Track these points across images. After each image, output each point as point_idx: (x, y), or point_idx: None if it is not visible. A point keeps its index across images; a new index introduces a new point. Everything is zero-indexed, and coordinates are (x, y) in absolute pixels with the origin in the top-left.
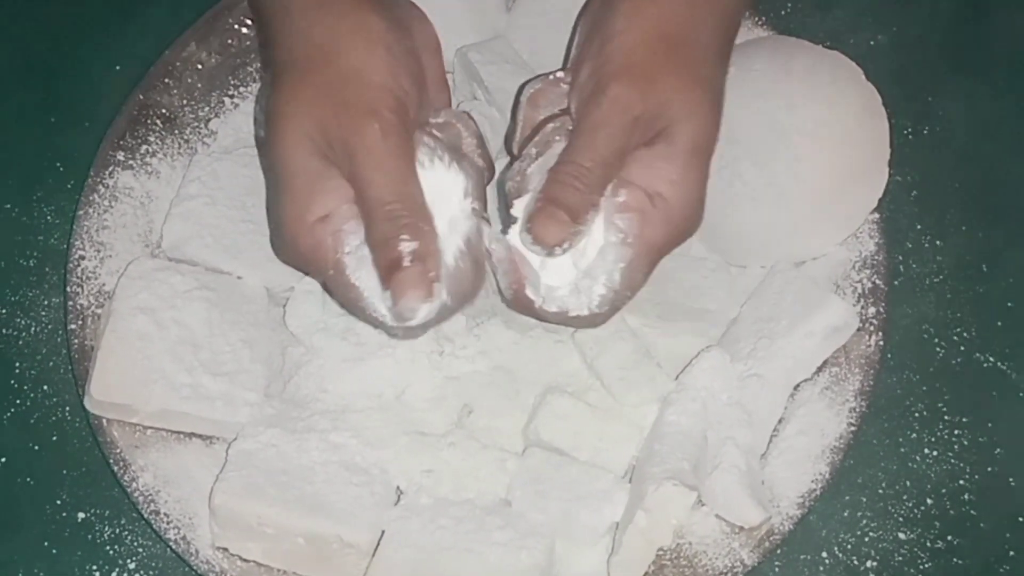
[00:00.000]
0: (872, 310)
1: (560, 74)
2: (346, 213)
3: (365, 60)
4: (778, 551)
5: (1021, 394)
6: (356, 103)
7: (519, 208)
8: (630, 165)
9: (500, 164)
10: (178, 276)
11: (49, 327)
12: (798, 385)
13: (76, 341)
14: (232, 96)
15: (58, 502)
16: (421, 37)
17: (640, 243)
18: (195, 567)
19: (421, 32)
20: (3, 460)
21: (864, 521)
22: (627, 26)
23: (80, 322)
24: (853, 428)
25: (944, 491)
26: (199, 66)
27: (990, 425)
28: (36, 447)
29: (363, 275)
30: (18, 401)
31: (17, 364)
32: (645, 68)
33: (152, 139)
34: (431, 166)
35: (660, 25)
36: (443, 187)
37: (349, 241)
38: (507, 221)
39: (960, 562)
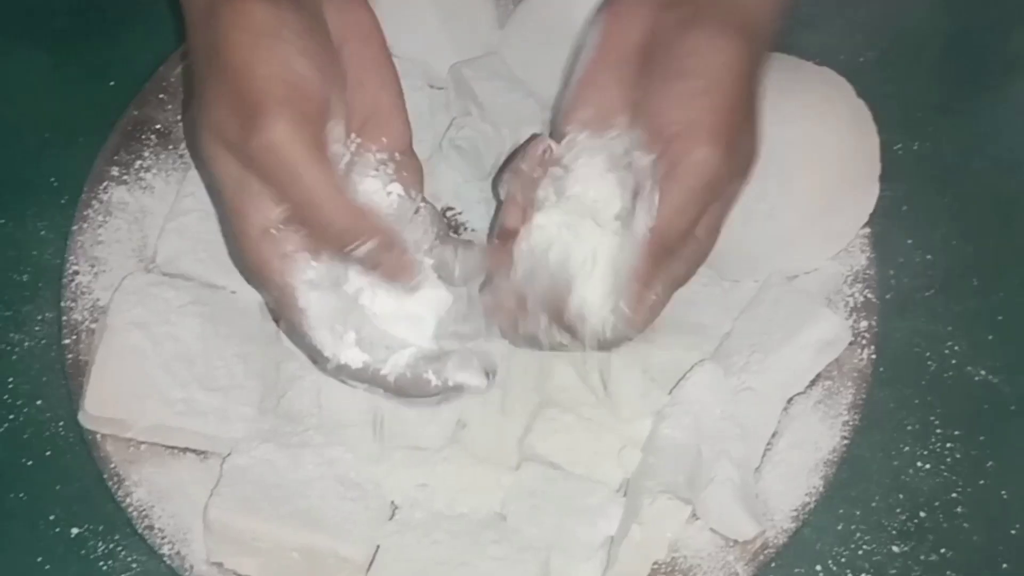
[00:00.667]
0: (864, 324)
1: (546, 145)
2: (288, 232)
3: (250, 52)
4: (772, 564)
5: (1012, 407)
6: (247, 102)
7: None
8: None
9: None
10: (172, 291)
11: (43, 342)
12: (791, 399)
13: (70, 356)
14: None
15: (51, 517)
16: (339, 20)
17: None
18: None
19: (339, 15)
20: None
21: (858, 534)
22: (714, 75)
23: (74, 337)
24: (846, 441)
25: (937, 504)
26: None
27: (982, 438)
28: (29, 462)
29: (312, 301)
30: (11, 416)
31: (11, 379)
32: (731, 130)
33: (146, 154)
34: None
35: (744, 73)
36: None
37: (298, 266)
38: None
39: (953, 575)
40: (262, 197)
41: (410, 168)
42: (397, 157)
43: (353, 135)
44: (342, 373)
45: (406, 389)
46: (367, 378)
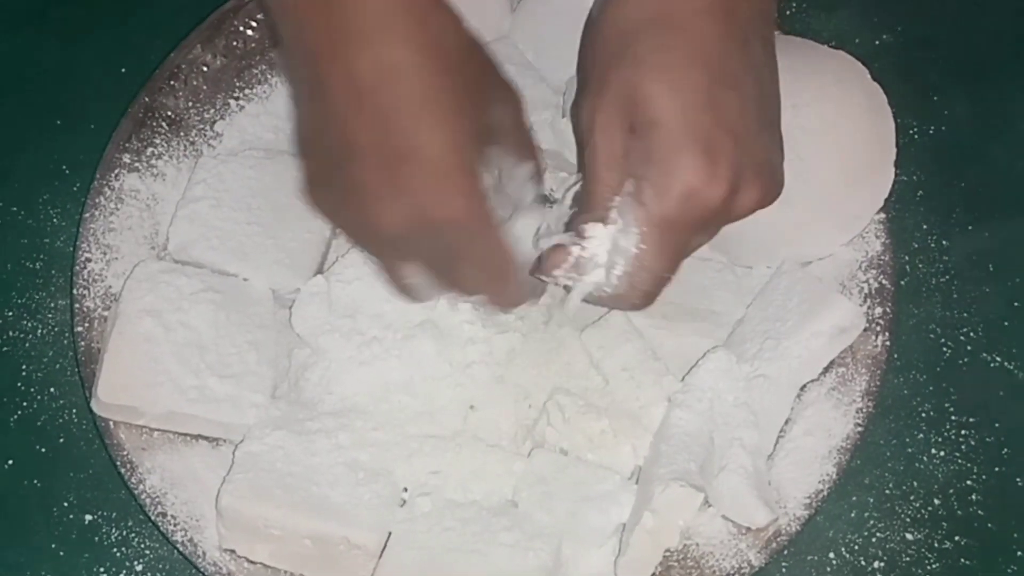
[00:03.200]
0: (878, 310)
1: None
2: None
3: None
4: (785, 552)
5: None
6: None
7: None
8: (629, 158)
9: None
10: (184, 278)
11: (56, 330)
12: (805, 386)
13: (83, 344)
14: (238, 98)
15: (65, 504)
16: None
17: (640, 225)
18: (202, 569)
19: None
20: (10, 463)
21: (871, 522)
22: (587, 27)
23: (87, 324)
24: (860, 428)
25: (951, 491)
26: (204, 68)
27: (997, 425)
28: (43, 449)
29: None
30: (25, 404)
31: (24, 367)
32: (596, 73)
33: (158, 141)
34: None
35: (616, 17)
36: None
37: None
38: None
39: (968, 562)
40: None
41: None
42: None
43: None
44: (536, 292)
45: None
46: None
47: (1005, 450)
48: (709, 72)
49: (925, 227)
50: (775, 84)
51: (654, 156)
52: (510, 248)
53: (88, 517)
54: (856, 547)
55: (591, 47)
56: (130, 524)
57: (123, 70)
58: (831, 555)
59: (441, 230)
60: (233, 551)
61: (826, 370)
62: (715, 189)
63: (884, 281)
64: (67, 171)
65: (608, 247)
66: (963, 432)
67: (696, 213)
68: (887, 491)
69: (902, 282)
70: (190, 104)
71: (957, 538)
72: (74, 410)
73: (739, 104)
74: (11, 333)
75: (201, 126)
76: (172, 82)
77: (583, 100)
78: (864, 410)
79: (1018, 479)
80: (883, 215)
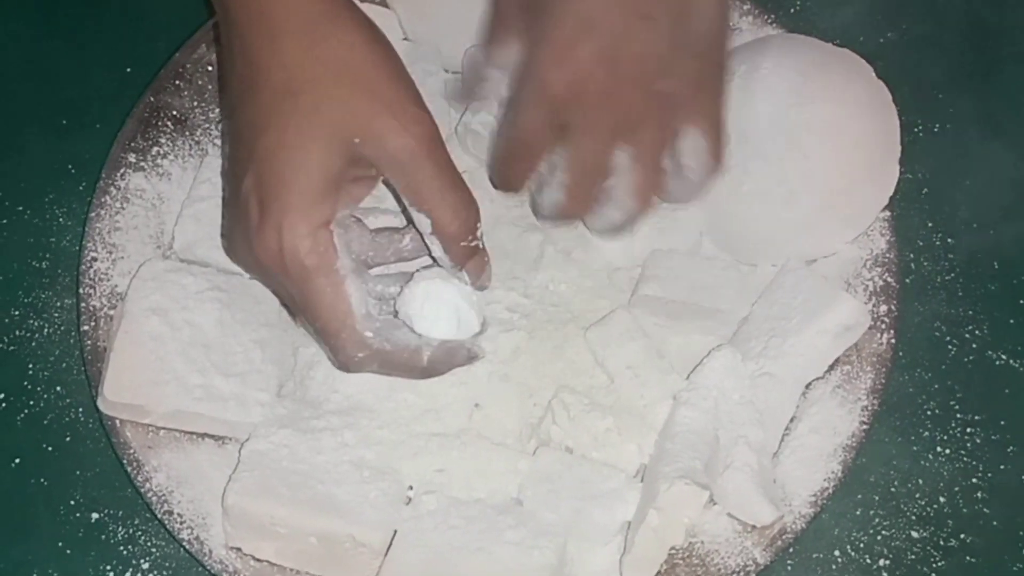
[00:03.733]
0: (884, 308)
1: None
2: (347, 221)
3: (400, 67)
4: (790, 550)
5: None
6: (408, 109)
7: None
8: None
9: None
10: (190, 277)
11: (62, 329)
12: (810, 383)
13: (89, 342)
14: None
15: (72, 503)
16: None
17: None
18: (208, 567)
19: None
20: (17, 461)
21: (876, 519)
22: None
23: (93, 323)
24: (865, 426)
25: (957, 489)
26: (210, 68)
27: (1003, 423)
28: (50, 448)
29: (353, 288)
30: (31, 402)
31: (30, 365)
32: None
33: (163, 141)
34: None
35: None
36: None
37: (345, 252)
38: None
39: (973, 560)
40: (348, 193)
41: None
42: None
43: None
44: (373, 361)
45: (436, 367)
46: (398, 363)
47: (1011, 448)
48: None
49: (930, 225)
50: (710, 24)
51: (539, 26)
52: (348, 304)
53: (95, 515)
54: (861, 545)
55: None
56: (136, 522)
57: (128, 70)
58: (836, 553)
59: (271, 274)
60: (239, 549)
61: (831, 368)
62: (585, 75)
63: (889, 279)
64: (73, 170)
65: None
66: (968, 430)
67: (555, 98)
68: (892, 489)
69: (907, 280)
70: (195, 104)
71: (963, 536)
72: (80, 409)
73: (647, 34)
74: (17, 332)
75: (206, 125)
76: (177, 82)
77: None
78: (869, 408)
79: (1023, 476)
80: (888, 213)
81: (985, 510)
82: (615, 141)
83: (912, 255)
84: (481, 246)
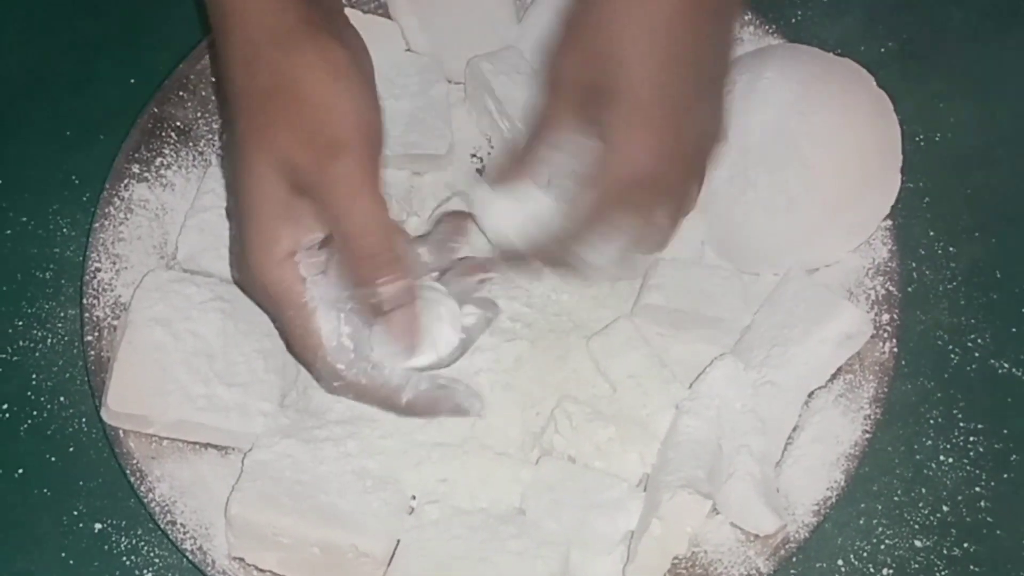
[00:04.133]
0: (886, 317)
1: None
2: (312, 253)
3: (331, 92)
4: (793, 559)
5: None
6: (325, 135)
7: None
8: (573, 121)
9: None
10: (193, 287)
11: (65, 339)
12: (812, 392)
13: (92, 353)
14: None
15: (75, 513)
16: (369, 68)
17: (583, 187)
18: None
19: (369, 63)
20: (20, 471)
21: (880, 528)
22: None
23: (96, 334)
24: (868, 435)
25: (960, 498)
26: (213, 79)
27: (1005, 431)
28: (53, 458)
29: (324, 319)
30: (35, 412)
31: (34, 376)
32: (562, 34)
33: (167, 151)
34: None
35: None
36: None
37: (315, 283)
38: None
39: (977, 569)
40: (302, 222)
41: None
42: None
43: None
44: (349, 391)
45: (416, 410)
46: (376, 399)
47: (1013, 456)
48: (672, 44)
49: (932, 234)
50: (727, 57)
51: (607, 122)
52: (317, 337)
53: (98, 525)
54: (865, 554)
55: (564, 12)
56: (140, 532)
57: (132, 81)
58: (839, 562)
59: (255, 300)
60: (242, 559)
61: (834, 377)
62: (661, 166)
63: (891, 288)
64: (77, 181)
65: (533, 202)
66: (971, 439)
67: (630, 187)
68: (895, 498)
69: (909, 288)
70: (199, 115)
71: (966, 545)
72: (84, 419)
73: (694, 84)
74: (21, 343)
75: (210, 136)
76: (181, 93)
77: (550, 54)
78: (872, 417)
79: None
80: (890, 222)
81: (988, 519)
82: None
83: (914, 264)
84: (400, 305)
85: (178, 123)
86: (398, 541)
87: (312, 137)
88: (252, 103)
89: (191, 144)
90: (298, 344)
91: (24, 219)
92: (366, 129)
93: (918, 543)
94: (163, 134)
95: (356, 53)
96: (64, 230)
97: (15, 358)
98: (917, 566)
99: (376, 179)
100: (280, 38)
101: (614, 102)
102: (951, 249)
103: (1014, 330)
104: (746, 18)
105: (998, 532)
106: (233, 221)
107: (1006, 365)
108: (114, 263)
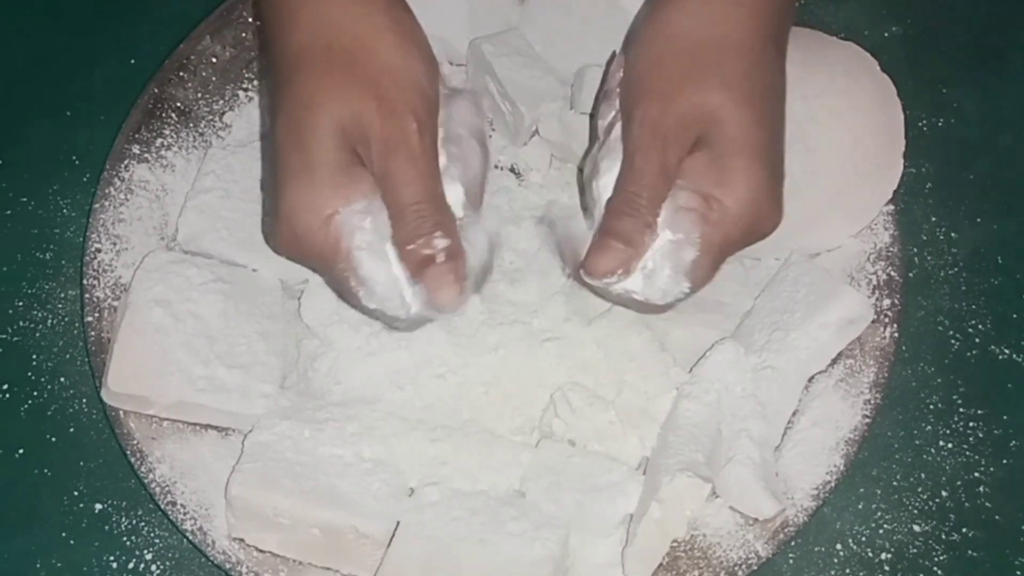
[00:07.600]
0: (887, 302)
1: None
2: (362, 208)
3: (402, 59)
4: (792, 543)
5: None
6: (396, 100)
7: (596, 189)
8: (685, 172)
9: (508, 153)
10: (194, 269)
11: (66, 320)
12: (812, 377)
13: (93, 333)
14: (246, 89)
15: (75, 493)
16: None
17: (702, 243)
18: (211, 558)
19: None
20: (21, 452)
21: (879, 513)
22: (649, 38)
23: (96, 315)
24: (868, 420)
25: (959, 483)
26: (213, 60)
27: (1005, 417)
28: (53, 439)
29: (373, 269)
30: (35, 393)
31: (34, 356)
32: (664, 84)
33: (167, 132)
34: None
35: (681, 34)
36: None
37: (362, 236)
38: (584, 204)
39: (975, 554)
40: (358, 185)
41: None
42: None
43: None
44: (413, 326)
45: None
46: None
47: (1013, 442)
48: (773, 98)
49: (934, 219)
50: (785, 77)
51: (728, 177)
52: (371, 281)
53: (98, 506)
54: (863, 539)
55: (655, 57)
56: (140, 513)
57: (132, 61)
58: (838, 546)
59: (299, 258)
60: (242, 540)
61: (834, 362)
62: (777, 216)
63: (892, 273)
64: (77, 162)
65: (655, 256)
66: (971, 424)
67: (755, 236)
68: (895, 483)
69: (910, 274)
70: (199, 95)
71: (964, 530)
72: (84, 400)
73: (781, 130)
74: (21, 323)
75: (210, 117)
76: (181, 73)
77: (644, 106)
78: (872, 402)
79: None
80: (892, 207)
81: (987, 504)
82: None
83: (916, 249)
84: (441, 260)
85: (179, 104)
86: (397, 523)
87: (384, 102)
88: (319, 62)
89: (191, 125)
90: (346, 293)
91: (24, 199)
92: (429, 102)
93: (917, 528)
94: (163, 115)
95: (418, 24)
96: (64, 211)
97: (15, 339)
98: (916, 551)
99: (435, 150)
100: (350, 1)
101: (728, 152)
102: (953, 235)
103: (1015, 316)
104: None
105: (997, 517)
106: (269, 189)
107: (1007, 351)
108: (114, 244)
